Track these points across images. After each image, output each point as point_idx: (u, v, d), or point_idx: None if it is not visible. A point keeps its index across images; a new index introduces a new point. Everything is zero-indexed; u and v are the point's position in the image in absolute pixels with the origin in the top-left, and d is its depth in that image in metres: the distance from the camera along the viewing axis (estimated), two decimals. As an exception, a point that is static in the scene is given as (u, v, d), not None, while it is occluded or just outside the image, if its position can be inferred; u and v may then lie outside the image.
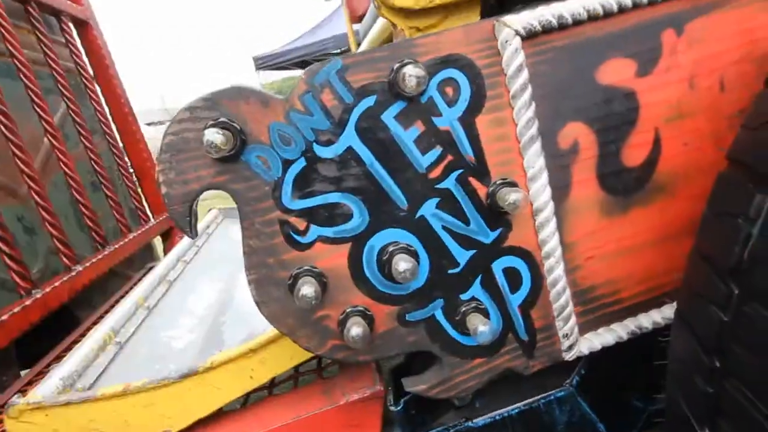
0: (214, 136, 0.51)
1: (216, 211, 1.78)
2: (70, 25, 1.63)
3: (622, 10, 0.60)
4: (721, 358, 0.47)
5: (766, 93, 0.51)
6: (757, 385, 0.44)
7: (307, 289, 0.55)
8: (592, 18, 0.60)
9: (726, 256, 0.47)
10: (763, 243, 0.44)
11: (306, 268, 0.58)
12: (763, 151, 0.46)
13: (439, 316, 0.63)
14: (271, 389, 0.81)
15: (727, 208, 0.49)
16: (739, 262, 0.46)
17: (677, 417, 0.54)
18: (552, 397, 0.74)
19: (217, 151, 0.52)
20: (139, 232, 1.67)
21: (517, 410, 0.73)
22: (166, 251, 1.95)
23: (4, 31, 1.26)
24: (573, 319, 0.66)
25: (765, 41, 0.65)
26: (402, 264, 0.56)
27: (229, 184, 0.56)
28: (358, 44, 2.14)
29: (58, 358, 1.17)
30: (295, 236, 0.58)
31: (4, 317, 1.00)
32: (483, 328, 0.59)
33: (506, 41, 0.58)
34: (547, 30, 0.59)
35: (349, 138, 0.57)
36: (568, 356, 0.67)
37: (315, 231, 0.58)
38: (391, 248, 0.59)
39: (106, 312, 1.41)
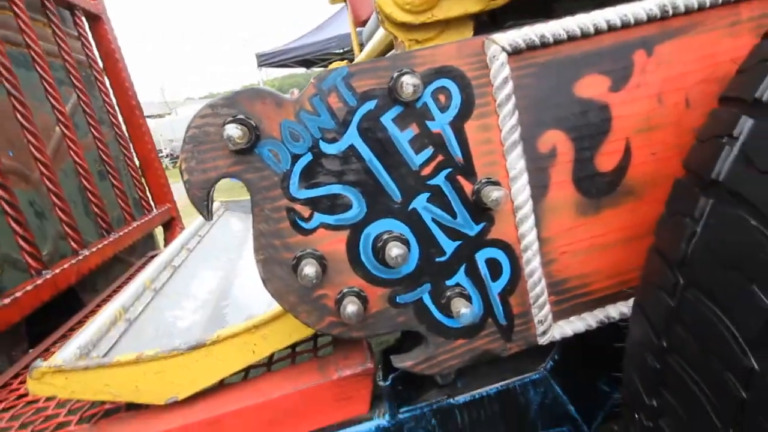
0: (233, 130, 0.58)
1: (218, 203, 1.84)
2: (83, 18, 1.68)
3: (597, 31, 0.68)
4: (667, 337, 0.55)
5: (716, 111, 0.59)
6: (693, 359, 0.51)
7: (309, 269, 0.62)
8: (571, 38, 0.67)
9: (675, 250, 0.55)
10: (704, 239, 0.52)
11: (308, 251, 0.65)
12: (708, 161, 0.53)
13: (427, 299, 0.70)
14: (269, 366, 0.87)
15: (679, 209, 0.57)
16: (684, 255, 0.53)
17: (631, 391, 0.61)
18: (527, 380, 0.81)
19: (235, 144, 0.59)
20: (143, 220, 1.73)
21: (495, 390, 0.80)
22: (166, 241, 2.01)
23: (22, 24, 1.32)
24: (547, 307, 0.73)
25: (726, 64, 0.72)
26: (394, 250, 0.63)
27: (243, 174, 0.63)
28: (361, 45, 2.21)
29: (64, 337, 1.23)
30: (300, 222, 0.65)
31: (18, 294, 1.06)
32: (465, 311, 0.67)
33: (494, 56, 0.65)
34: (530, 47, 0.66)
35: (352, 137, 0.64)
36: (542, 341, 0.74)
37: (318, 218, 0.65)
38: (385, 236, 0.66)
39: (109, 296, 1.47)
